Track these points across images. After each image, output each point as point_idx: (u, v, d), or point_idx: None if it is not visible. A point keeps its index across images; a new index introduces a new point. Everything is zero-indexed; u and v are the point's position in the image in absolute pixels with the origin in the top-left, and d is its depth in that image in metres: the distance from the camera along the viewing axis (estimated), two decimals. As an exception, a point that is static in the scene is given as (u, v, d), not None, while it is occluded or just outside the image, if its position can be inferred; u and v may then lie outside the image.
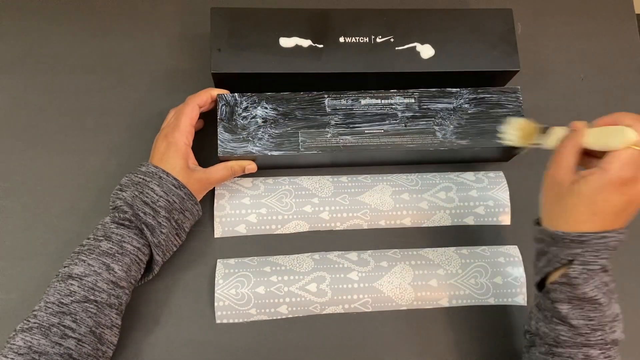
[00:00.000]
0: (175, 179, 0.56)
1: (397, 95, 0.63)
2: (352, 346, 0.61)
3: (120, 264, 0.53)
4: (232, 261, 0.62)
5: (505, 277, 0.63)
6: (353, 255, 0.63)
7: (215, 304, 0.59)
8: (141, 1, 0.72)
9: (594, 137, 0.48)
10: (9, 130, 0.66)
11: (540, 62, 0.75)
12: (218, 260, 0.62)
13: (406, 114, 0.62)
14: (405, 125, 0.62)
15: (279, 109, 0.62)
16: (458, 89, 0.64)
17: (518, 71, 0.65)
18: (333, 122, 0.62)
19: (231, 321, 0.60)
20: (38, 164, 0.65)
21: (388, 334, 0.61)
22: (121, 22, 0.71)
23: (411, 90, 0.64)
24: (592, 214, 0.47)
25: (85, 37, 0.70)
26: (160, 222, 0.55)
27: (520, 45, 0.65)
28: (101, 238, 0.54)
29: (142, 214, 0.54)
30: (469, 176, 0.68)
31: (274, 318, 0.60)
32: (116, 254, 0.53)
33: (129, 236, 0.54)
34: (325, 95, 0.62)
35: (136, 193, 0.55)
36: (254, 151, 0.60)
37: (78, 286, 0.51)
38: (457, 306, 0.63)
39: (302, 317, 0.61)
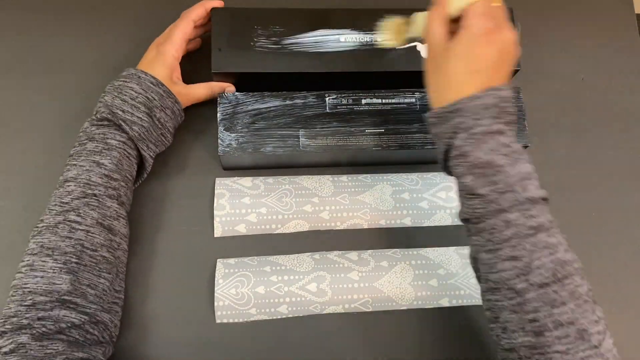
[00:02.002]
0: (153, 77, 0.58)
1: (398, 95, 0.63)
2: (352, 346, 0.61)
3: (109, 157, 0.55)
4: (232, 261, 0.62)
5: (506, 277, 0.63)
6: (353, 255, 0.63)
7: (215, 303, 0.59)
8: (141, 1, 0.73)
9: (450, 3, 0.49)
10: (9, 130, 0.66)
11: (541, 62, 0.75)
12: (218, 260, 0.62)
13: (407, 114, 0.62)
14: (407, 125, 0.62)
15: (279, 108, 0.62)
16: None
17: (518, 70, 0.65)
18: (333, 122, 0.62)
19: (231, 321, 0.60)
20: (38, 164, 0.65)
21: (388, 334, 0.61)
22: (121, 22, 0.71)
23: (412, 90, 0.64)
24: (472, 72, 0.48)
25: (85, 37, 0.70)
26: (140, 117, 0.56)
27: (520, 45, 0.65)
28: (85, 141, 0.56)
29: (120, 112, 0.56)
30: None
31: (274, 318, 0.60)
32: (103, 151, 0.55)
33: (110, 133, 0.56)
34: (326, 95, 0.62)
35: (115, 94, 0.57)
36: (251, 150, 0.60)
37: (75, 185, 0.53)
38: (457, 306, 0.63)
39: (302, 317, 0.61)
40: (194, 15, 0.62)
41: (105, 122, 0.56)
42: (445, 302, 0.62)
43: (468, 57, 0.48)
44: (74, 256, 0.51)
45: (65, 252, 0.50)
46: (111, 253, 0.54)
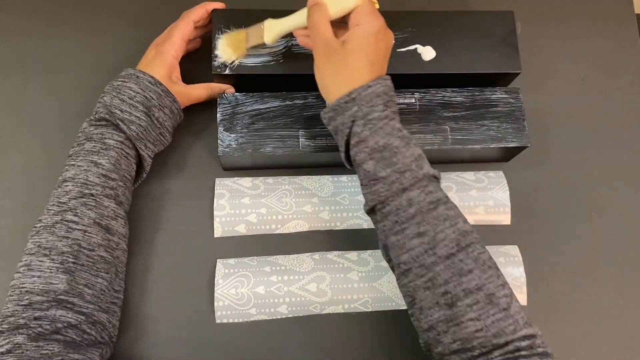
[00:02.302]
0: (151, 76, 0.58)
1: (397, 96, 0.63)
2: (352, 346, 0.61)
3: (107, 157, 0.55)
4: (232, 261, 0.62)
5: (506, 277, 0.63)
6: (353, 255, 0.63)
7: (215, 303, 0.59)
8: (142, 1, 0.73)
9: (331, 6, 0.52)
10: (9, 130, 0.66)
11: (541, 63, 0.75)
12: (218, 260, 0.62)
13: (406, 114, 0.62)
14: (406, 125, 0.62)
15: (279, 108, 0.62)
16: (459, 90, 0.64)
17: (519, 73, 0.65)
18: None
19: (231, 321, 0.60)
20: (38, 164, 0.65)
21: (388, 334, 0.61)
22: (121, 22, 0.71)
23: (412, 91, 0.64)
24: (370, 64, 0.51)
25: (86, 37, 0.70)
26: (138, 116, 0.56)
27: (520, 45, 0.65)
28: (83, 141, 0.56)
29: (118, 112, 0.56)
30: (469, 176, 0.67)
31: (274, 318, 0.60)
32: (100, 150, 0.55)
33: (108, 132, 0.56)
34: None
35: (114, 94, 0.57)
36: (251, 150, 0.60)
37: (72, 185, 0.54)
38: (457, 306, 0.63)
39: (302, 317, 0.61)
40: (195, 15, 0.62)
41: (103, 122, 0.56)
42: (445, 302, 0.62)
43: (367, 52, 0.51)
44: (71, 256, 0.51)
45: (62, 252, 0.51)
46: (109, 253, 0.54)
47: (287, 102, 0.62)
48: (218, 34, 0.61)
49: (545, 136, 0.71)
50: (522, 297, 0.63)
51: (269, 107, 0.62)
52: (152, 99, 0.57)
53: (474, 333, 0.44)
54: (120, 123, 0.56)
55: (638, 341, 0.64)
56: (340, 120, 0.51)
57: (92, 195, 0.53)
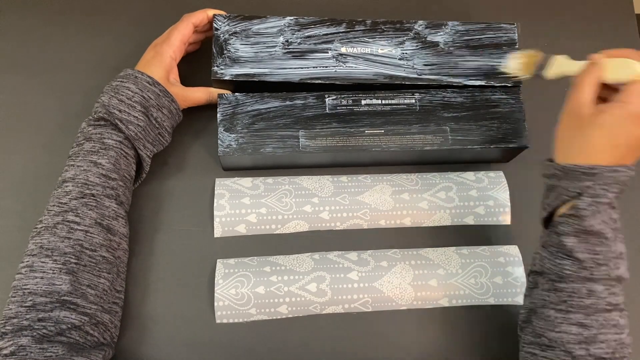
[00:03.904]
0: (149, 77, 0.58)
1: (397, 96, 0.63)
2: (352, 346, 0.61)
3: (106, 157, 0.55)
4: (232, 261, 0.62)
5: (505, 277, 0.63)
6: (353, 255, 0.63)
7: (215, 303, 0.59)
8: (142, 1, 0.72)
9: (611, 71, 0.50)
10: (9, 130, 0.66)
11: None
12: (218, 260, 0.62)
13: (407, 115, 0.62)
14: (406, 126, 0.62)
15: (279, 108, 0.62)
16: (459, 90, 0.64)
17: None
18: (333, 123, 0.62)
19: (231, 321, 0.60)
20: (38, 164, 0.65)
21: (388, 334, 0.61)
22: (121, 22, 0.71)
23: (412, 91, 0.64)
24: (611, 146, 0.48)
25: (85, 37, 0.70)
26: (136, 116, 0.57)
27: (520, 45, 0.65)
28: (83, 141, 0.56)
29: (116, 112, 0.56)
30: (469, 176, 0.68)
31: (274, 318, 0.60)
32: (100, 150, 0.55)
33: (107, 132, 0.56)
34: (326, 96, 0.63)
35: (112, 94, 0.57)
36: (251, 150, 0.60)
37: (73, 185, 0.54)
38: (457, 306, 0.63)
39: (302, 317, 0.61)
40: (195, 19, 0.62)
41: (102, 122, 0.57)
42: (445, 302, 0.62)
43: (614, 131, 0.48)
44: (73, 257, 0.51)
45: (64, 253, 0.51)
46: (111, 253, 0.54)
47: (287, 103, 0.62)
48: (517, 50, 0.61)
49: (545, 136, 0.71)
50: (521, 297, 0.63)
51: (269, 108, 0.62)
52: (150, 99, 0.57)
53: None
54: (118, 123, 0.56)
55: (638, 341, 0.64)
56: (566, 185, 0.49)
57: (92, 195, 0.54)
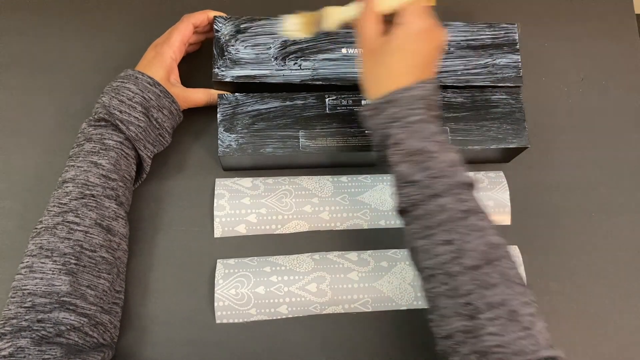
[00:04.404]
0: (150, 77, 0.58)
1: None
2: (352, 346, 0.61)
3: (107, 158, 0.55)
4: (232, 261, 0.62)
5: (505, 277, 0.63)
6: (353, 255, 0.63)
7: (215, 304, 0.59)
8: (142, 1, 0.72)
9: (381, 2, 0.51)
10: (9, 130, 0.66)
11: (541, 63, 0.75)
12: (218, 260, 0.62)
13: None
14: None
15: (279, 108, 0.62)
16: (459, 91, 0.64)
17: (520, 81, 0.64)
18: (333, 123, 0.62)
19: (231, 321, 0.60)
20: (38, 163, 0.65)
21: (388, 334, 0.61)
22: (121, 22, 0.71)
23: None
24: (412, 66, 0.50)
25: (85, 37, 0.70)
26: (137, 117, 0.56)
27: (520, 45, 0.65)
28: (83, 142, 0.56)
29: (117, 112, 0.56)
30: (469, 176, 0.67)
31: (274, 318, 0.60)
32: (100, 151, 0.55)
33: (107, 133, 0.56)
34: (326, 96, 0.63)
35: (113, 94, 0.57)
36: (251, 150, 0.60)
37: (73, 186, 0.54)
38: (457, 306, 0.63)
39: (302, 317, 0.61)
40: (195, 19, 0.62)
41: (103, 123, 0.57)
42: (444, 303, 0.62)
43: (408, 51, 0.50)
44: (73, 257, 0.51)
45: (64, 253, 0.51)
46: (110, 253, 0.54)
47: (287, 103, 0.62)
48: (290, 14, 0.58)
49: (545, 136, 0.71)
50: (521, 297, 0.63)
51: (269, 108, 0.62)
52: (151, 99, 0.57)
53: (492, 347, 0.43)
54: (119, 123, 0.56)
55: (638, 341, 0.64)
56: (378, 120, 0.51)
57: (92, 196, 0.54)
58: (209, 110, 0.65)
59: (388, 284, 0.61)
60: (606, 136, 0.72)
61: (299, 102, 0.62)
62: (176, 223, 0.64)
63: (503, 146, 0.63)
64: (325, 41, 0.63)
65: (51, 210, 0.53)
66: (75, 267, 0.51)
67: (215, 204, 0.63)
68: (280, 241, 0.64)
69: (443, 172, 0.48)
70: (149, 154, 0.59)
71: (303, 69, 0.62)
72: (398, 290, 0.61)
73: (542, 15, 0.77)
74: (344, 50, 0.63)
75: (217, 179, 0.65)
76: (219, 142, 0.60)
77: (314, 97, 0.63)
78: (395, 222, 0.65)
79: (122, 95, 0.56)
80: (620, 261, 0.67)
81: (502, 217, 0.67)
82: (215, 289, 0.60)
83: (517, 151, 0.65)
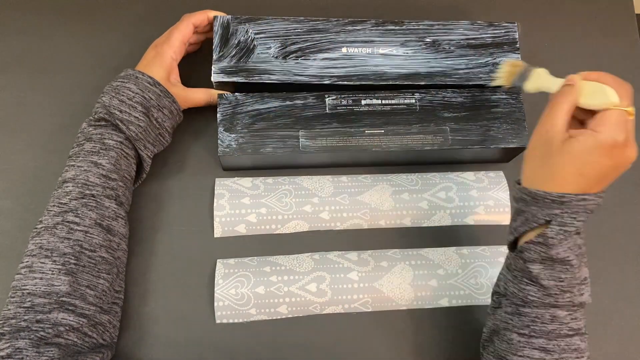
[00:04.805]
0: (150, 77, 0.58)
1: (397, 96, 0.63)
2: (352, 346, 0.61)
3: (107, 157, 0.55)
4: (232, 261, 0.62)
5: (505, 277, 0.63)
6: (353, 255, 0.63)
7: (215, 304, 0.59)
8: (142, 1, 0.72)
9: (585, 95, 0.48)
10: (9, 130, 0.66)
11: (541, 63, 0.74)
12: (218, 260, 0.62)
13: (407, 115, 0.62)
14: (406, 126, 0.62)
15: (279, 108, 0.62)
16: (459, 90, 0.64)
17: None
18: (333, 123, 0.62)
19: (231, 321, 0.60)
20: (38, 164, 0.65)
21: (388, 334, 0.61)
22: (121, 22, 0.71)
23: (412, 91, 0.64)
24: (579, 175, 0.46)
25: (85, 37, 0.70)
26: (137, 117, 0.56)
27: (520, 45, 0.65)
28: (83, 142, 0.56)
29: (117, 112, 0.56)
30: (469, 176, 0.68)
31: (274, 318, 0.60)
32: (100, 151, 0.55)
33: (107, 133, 0.56)
34: (326, 96, 0.63)
35: (113, 94, 0.56)
36: (251, 150, 0.60)
37: (73, 186, 0.54)
38: (457, 306, 0.63)
39: (302, 317, 0.61)
40: (195, 19, 0.62)
41: (103, 123, 0.57)
42: (445, 302, 0.62)
43: (583, 161, 0.46)
44: (73, 257, 0.51)
45: (64, 253, 0.51)
46: (110, 253, 0.54)
47: (288, 103, 0.62)
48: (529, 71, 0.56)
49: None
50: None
51: (269, 107, 0.62)
52: (151, 99, 0.57)
53: None
54: (119, 123, 0.56)
55: (638, 341, 0.64)
56: (535, 211, 0.48)
57: (92, 195, 0.54)
58: (209, 110, 0.65)
59: (388, 284, 0.61)
60: (606, 136, 0.72)
61: (299, 101, 0.62)
62: (176, 223, 0.64)
63: (503, 146, 0.63)
64: (325, 41, 0.63)
65: (51, 210, 0.53)
66: (75, 267, 0.51)
67: (215, 204, 0.63)
68: (280, 241, 0.64)
69: (572, 287, 0.48)
70: (149, 154, 0.59)
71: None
72: (398, 290, 0.61)
73: (542, 15, 0.77)
74: (344, 50, 0.63)
75: (217, 179, 0.65)
76: (219, 141, 0.60)
77: (314, 96, 0.63)
78: (395, 222, 0.65)
79: (123, 95, 0.56)
80: (620, 261, 0.67)
81: (502, 217, 0.67)
82: (215, 288, 0.60)
83: (517, 151, 0.65)
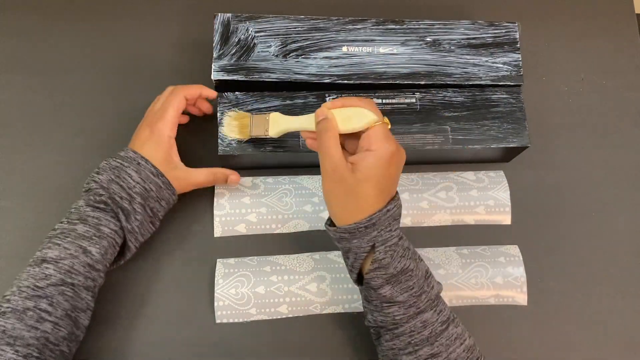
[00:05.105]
0: (154, 166, 0.56)
1: (398, 95, 0.63)
2: (352, 346, 0.61)
3: (98, 246, 0.52)
4: (232, 261, 0.62)
5: (506, 277, 0.63)
6: (353, 255, 0.63)
7: (215, 303, 0.59)
8: (143, 2, 0.72)
9: (341, 123, 0.51)
10: (9, 130, 0.66)
11: (541, 63, 0.75)
12: (218, 259, 0.62)
13: (407, 114, 0.62)
14: (407, 125, 0.62)
15: (279, 108, 0.62)
16: (460, 90, 0.64)
17: (521, 85, 0.64)
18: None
19: (231, 321, 0.60)
20: (38, 164, 0.65)
21: (388, 333, 0.61)
22: (122, 22, 0.71)
23: (412, 90, 0.63)
24: (380, 192, 0.49)
25: (86, 37, 0.70)
26: (134, 209, 0.54)
27: (520, 45, 0.65)
28: (76, 221, 0.52)
29: (118, 198, 0.53)
30: (469, 176, 0.67)
31: (274, 318, 0.60)
32: (93, 237, 0.52)
33: (105, 219, 0.53)
34: (326, 95, 0.62)
35: (112, 177, 0.54)
36: (251, 150, 0.60)
37: (54, 269, 0.49)
38: (457, 306, 0.62)
39: (302, 317, 0.61)
40: (188, 94, 0.60)
41: (102, 206, 0.53)
42: (445, 302, 0.62)
43: (376, 179, 0.49)
44: (36, 350, 0.47)
45: (28, 344, 0.46)
46: (69, 347, 0.50)
47: (288, 102, 0.62)
48: (224, 112, 0.60)
49: (545, 136, 0.71)
50: (522, 297, 0.63)
51: (269, 107, 0.62)
52: (152, 190, 0.55)
53: None
54: (120, 212, 0.53)
55: (638, 341, 0.64)
56: (357, 244, 0.49)
57: (72, 285, 0.50)
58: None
59: (388, 283, 0.61)
60: (606, 136, 0.72)
61: (299, 101, 0.62)
62: (176, 223, 0.64)
63: (503, 145, 0.62)
64: (326, 40, 0.63)
65: (23, 291, 0.48)
66: None
67: (215, 203, 0.63)
68: (280, 241, 0.64)
69: (422, 287, 0.50)
70: (137, 245, 0.56)
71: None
72: (398, 290, 0.61)
73: (543, 15, 0.77)
74: (344, 49, 0.63)
75: (217, 179, 0.65)
76: (219, 141, 0.60)
77: (314, 96, 0.62)
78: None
79: (123, 182, 0.54)
80: (620, 261, 0.67)
81: (502, 216, 0.67)
82: (215, 288, 0.60)
83: (518, 150, 0.65)
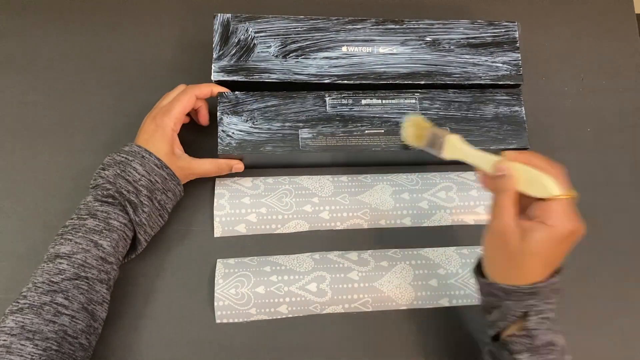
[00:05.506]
0: (158, 158, 0.56)
1: (398, 96, 0.63)
2: (352, 346, 0.61)
3: (109, 239, 0.53)
4: (232, 261, 0.62)
5: (506, 277, 0.63)
6: (353, 255, 0.63)
7: (215, 303, 0.59)
8: (143, 2, 0.72)
9: (524, 184, 0.47)
10: (9, 130, 0.66)
11: (541, 63, 0.75)
12: (218, 260, 0.62)
13: (407, 114, 0.62)
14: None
15: (279, 107, 0.62)
16: (459, 90, 0.64)
17: (521, 85, 0.64)
18: (334, 122, 0.62)
19: (231, 321, 0.60)
20: (38, 164, 0.65)
21: (388, 334, 0.61)
22: (122, 22, 0.71)
23: (412, 91, 0.64)
24: (545, 265, 0.47)
25: (86, 37, 0.70)
26: (142, 201, 0.55)
27: (520, 45, 0.65)
28: (86, 216, 0.53)
29: (125, 192, 0.54)
30: (469, 176, 0.68)
31: (274, 318, 0.60)
32: (103, 231, 0.53)
33: (114, 213, 0.54)
34: (326, 95, 0.62)
35: (118, 171, 0.54)
36: (251, 149, 0.60)
37: (67, 264, 0.51)
38: (457, 306, 0.63)
39: (302, 317, 0.61)
40: (199, 93, 0.60)
41: (110, 200, 0.54)
42: (445, 302, 0.62)
43: (546, 255, 0.46)
44: (55, 343, 0.48)
45: (46, 338, 0.48)
46: (88, 340, 0.51)
47: (288, 102, 0.62)
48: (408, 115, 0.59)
49: (545, 136, 0.71)
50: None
51: (269, 106, 0.62)
52: (157, 182, 0.56)
53: None
54: (127, 205, 0.54)
55: (638, 341, 0.64)
56: (510, 305, 0.48)
57: (86, 278, 0.51)
58: (208, 109, 0.64)
59: (388, 283, 0.61)
60: (606, 136, 0.72)
61: (298, 100, 0.62)
62: (176, 223, 0.64)
63: (503, 147, 0.62)
64: (325, 40, 0.63)
65: (39, 287, 0.49)
66: (55, 354, 0.48)
67: (215, 204, 0.63)
68: (280, 241, 0.64)
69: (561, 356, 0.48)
70: (147, 238, 0.57)
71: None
72: (398, 290, 0.61)
73: (543, 15, 0.77)
74: (344, 49, 0.63)
75: (217, 179, 0.65)
76: (219, 140, 0.60)
77: (314, 96, 0.62)
78: (396, 222, 0.65)
79: (128, 176, 0.54)
80: (620, 261, 0.67)
81: (502, 216, 0.67)
82: (215, 288, 0.60)
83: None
